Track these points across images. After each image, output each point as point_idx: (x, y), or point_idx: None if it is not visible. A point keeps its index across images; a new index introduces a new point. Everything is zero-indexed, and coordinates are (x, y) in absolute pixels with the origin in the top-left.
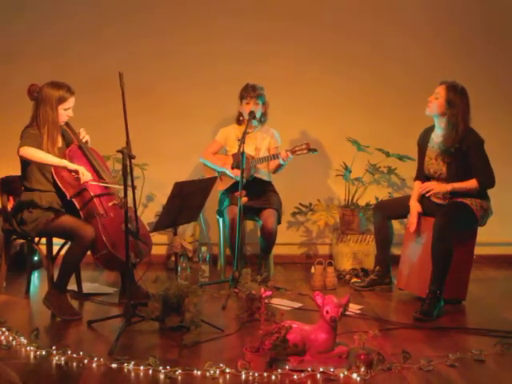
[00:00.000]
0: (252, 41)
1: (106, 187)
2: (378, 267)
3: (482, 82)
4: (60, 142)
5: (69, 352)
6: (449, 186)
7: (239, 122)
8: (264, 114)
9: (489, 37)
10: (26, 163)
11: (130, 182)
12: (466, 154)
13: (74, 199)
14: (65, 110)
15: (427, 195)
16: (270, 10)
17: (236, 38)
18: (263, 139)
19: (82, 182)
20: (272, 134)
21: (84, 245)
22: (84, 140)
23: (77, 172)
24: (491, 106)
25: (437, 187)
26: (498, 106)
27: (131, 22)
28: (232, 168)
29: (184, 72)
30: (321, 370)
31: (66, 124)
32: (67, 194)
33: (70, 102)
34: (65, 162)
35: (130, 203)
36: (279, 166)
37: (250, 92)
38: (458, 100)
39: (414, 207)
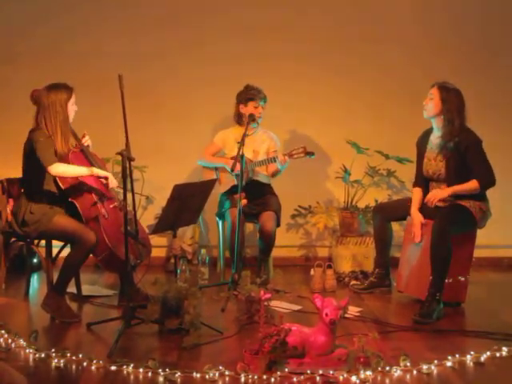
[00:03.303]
0: (251, 40)
1: (107, 190)
2: (377, 269)
3: (482, 82)
4: None
5: (68, 354)
6: (450, 190)
7: (240, 122)
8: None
9: (490, 37)
10: (28, 165)
11: (131, 186)
12: (464, 155)
13: (75, 201)
14: (72, 104)
15: (432, 205)
16: (270, 8)
17: (235, 37)
18: (262, 142)
19: (110, 187)
20: (271, 137)
21: (85, 249)
22: (86, 144)
23: (106, 178)
24: (492, 106)
25: (439, 194)
26: (501, 106)
27: (130, 22)
28: (231, 170)
29: (183, 72)
30: (320, 372)
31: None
32: (69, 195)
33: (74, 96)
34: (95, 171)
35: (130, 206)
36: (277, 171)
37: (257, 94)
38: (451, 96)
39: (417, 218)
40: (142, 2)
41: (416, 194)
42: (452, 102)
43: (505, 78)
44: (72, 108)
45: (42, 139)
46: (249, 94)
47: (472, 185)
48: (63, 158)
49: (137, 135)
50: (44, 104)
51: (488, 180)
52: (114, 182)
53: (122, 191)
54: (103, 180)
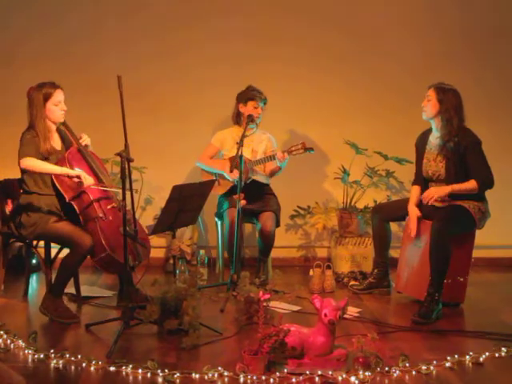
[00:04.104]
0: (251, 42)
1: (104, 190)
2: (376, 270)
3: (483, 83)
4: (60, 145)
5: (67, 355)
6: (448, 188)
7: (239, 122)
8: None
9: (489, 37)
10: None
11: (130, 186)
12: (463, 155)
13: (73, 202)
14: (55, 105)
15: (430, 203)
16: (269, 11)
17: (235, 39)
18: (260, 142)
19: (84, 186)
20: (269, 138)
21: (81, 253)
22: (84, 143)
23: (79, 177)
24: (491, 107)
25: (437, 192)
26: (499, 106)
27: (130, 23)
28: (231, 171)
29: (182, 74)
30: (319, 373)
31: (65, 126)
32: (66, 197)
33: (57, 95)
34: (65, 170)
35: (129, 206)
36: (277, 170)
37: (257, 95)
38: (448, 96)
39: (413, 212)
40: (141, 5)
41: (414, 191)
42: (449, 101)
43: (498, 81)
44: (56, 108)
45: (28, 137)
46: (250, 94)
47: (470, 185)
48: (60, 160)
49: (136, 136)
50: (28, 103)
51: (486, 181)
52: (88, 181)
53: (116, 190)
54: (75, 179)
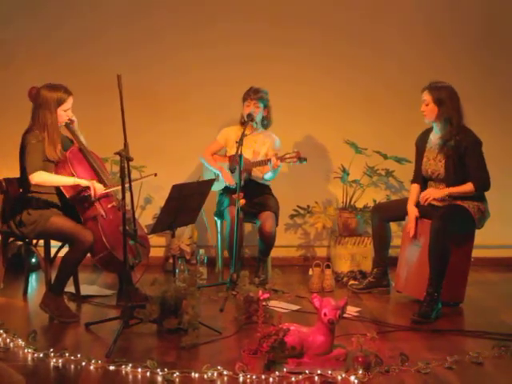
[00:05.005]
0: (253, 43)
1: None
2: (375, 269)
3: (480, 83)
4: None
5: (66, 354)
6: (445, 191)
7: (242, 124)
8: (266, 118)
9: (487, 38)
10: (23, 166)
11: (129, 185)
12: (463, 155)
13: (73, 201)
14: (64, 111)
15: (426, 204)
16: (271, 13)
17: (236, 40)
18: (263, 144)
19: (93, 196)
20: (273, 140)
21: (82, 249)
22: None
23: (89, 188)
24: (490, 108)
25: (434, 193)
26: (497, 107)
27: (131, 24)
28: (230, 170)
29: (183, 74)
30: (318, 372)
31: (67, 126)
32: (67, 195)
33: (69, 102)
34: (77, 181)
35: (129, 205)
36: (269, 173)
37: (250, 94)
38: (444, 95)
39: (412, 212)
40: (142, 6)
41: (413, 190)
42: (446, 100)
43: (496, 83)
44: (64, 114)
45: (34, 142)
46: (244, 96)
47: (468, 187)
48: (61, 161)
49: (136, 136)
50: (36, 103)
51: (483, 184)
52: (99, 189)
53: (119, 188)
54: (87, 190)
